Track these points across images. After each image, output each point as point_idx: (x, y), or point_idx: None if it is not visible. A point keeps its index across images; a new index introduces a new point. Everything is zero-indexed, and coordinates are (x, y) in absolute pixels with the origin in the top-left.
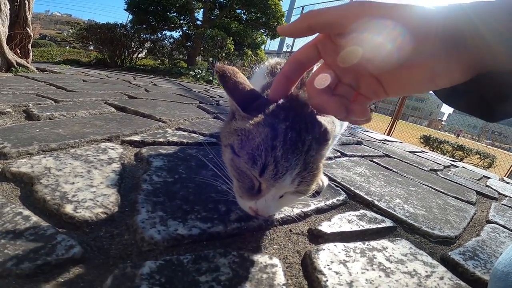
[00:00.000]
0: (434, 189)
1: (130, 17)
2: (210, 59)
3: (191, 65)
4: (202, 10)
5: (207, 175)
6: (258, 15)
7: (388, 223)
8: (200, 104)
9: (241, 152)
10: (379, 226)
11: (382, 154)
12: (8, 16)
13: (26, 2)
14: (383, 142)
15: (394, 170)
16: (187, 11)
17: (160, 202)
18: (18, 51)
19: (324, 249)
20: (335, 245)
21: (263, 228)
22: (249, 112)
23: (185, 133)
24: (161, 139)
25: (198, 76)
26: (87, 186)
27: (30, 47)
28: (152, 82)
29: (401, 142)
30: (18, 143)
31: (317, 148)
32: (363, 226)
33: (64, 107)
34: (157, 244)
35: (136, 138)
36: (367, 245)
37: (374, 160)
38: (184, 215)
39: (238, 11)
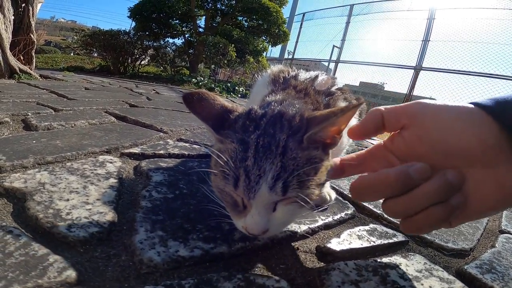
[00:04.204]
0: None
1: (133, 24)
2: (212, 66)
3: (193, 72)
4: (204, 17)
5: (209, 191)
6: (260, 22)
7: (400, 237)
8: None
9: (217, 172)
10: (390, 241)
11: None
12: (12, 22)
13: (30, 8)
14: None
15: None
16: (190, 18)
17: (160, 220)
18: (22, 58)
19: (334, 269)
20: (346, 264)
21: (269, 247)
22: (222, 133)
23: (187, 144)
24: (161, 151)
25: (200, 83)
26: (82, 203)
27: (33, 54)
28: (154, 90)
29: None
30: (13, 155)
31: (297, 146)
32: (374, 242)
33: (64, 116)
34: (157, 267)
35: (136, 150)
36: (380, 262)
37: None
38: (185, 234)
39: (240, 18)
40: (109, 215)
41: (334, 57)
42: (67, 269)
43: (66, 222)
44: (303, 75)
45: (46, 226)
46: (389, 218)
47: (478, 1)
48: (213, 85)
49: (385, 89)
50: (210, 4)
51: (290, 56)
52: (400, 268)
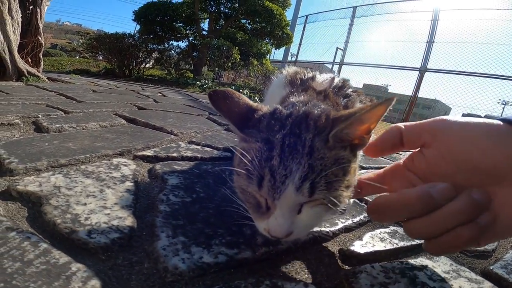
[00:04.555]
0: None
1: (138, 27)
2: (216, 69)
3: (198, 75)
4: (207, 20)
5: (226, 194)
6: (263, 24)
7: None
8: (210, 116)
9: (240, 172)
10: (413, 243)
11: None
12: (20, 24)
13: (38, 10)
14: (396, 153)
15: None
16: (193, 21)
17: (180, 225)
18: (30, 60)
19: (362, 272)
20: (373, 267)
21: (292, 251)
22: (247, 131)
23: (198, 147)
24: (174, 154)
25: (204, 86)
26: (100, 207)
27: (41, 56)
28: (160, 93)
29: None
30: (26, 158)
31: (323, 145)
32: (396, 244)
33: (74, 118)
34: (182, 275)
35: (149, 153)
36: (406, 264)
37: None
38: (207, 240)
39: (243, 21)
40: (128, 220)
41: (337, 59)
42: (91, 278)
43: (85, 227)
44: (320, 77)
45: (64, 231)
46: None
47: (482, 2)
48: (217, 88)
49: (389, 91)
50: (214, 7)
51: (293, 59)
52: (427, 270)
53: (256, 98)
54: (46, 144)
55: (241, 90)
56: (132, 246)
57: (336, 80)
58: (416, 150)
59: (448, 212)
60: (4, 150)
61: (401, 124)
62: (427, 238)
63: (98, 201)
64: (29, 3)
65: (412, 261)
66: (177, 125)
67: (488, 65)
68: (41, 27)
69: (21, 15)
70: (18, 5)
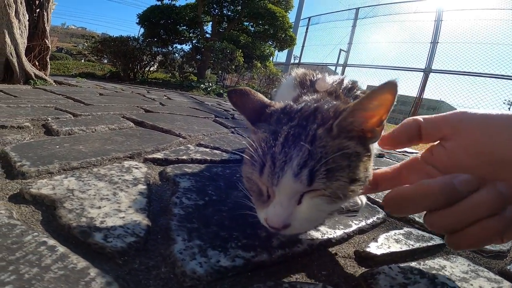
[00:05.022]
0: None
1: (142, 30)
2: (220, 72)
3: (201, 78)
4: (210, 23)
5: (238, 197)
6: (266, 27)
7: (437, 240)
8: (216, 118)
9: (246, 160)
10: (429, 244)
11: None
12: (27, 27)
13: (45, 13)
14: (403, 154)
15: None
16: (197, 24)
17: (195, 228)
18: (37, 63)
19: (380, 273)
20: (391, 268)
21: (308, 253)
22: (258, 124)
23: (207, 149)
24: (184, 157)
25: (208, 89)
26: (115, 210)
27: (48, 59)
28: (165, 96)
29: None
30: (38, 161)
31: (326, 134)
32: (412, 245)
33: (83, 121)
34: (200, 279)
35: (159, 155)
36: (424, 265)
37: None
38: (223, 243)
39: (246, 23)
40: (143, 223)
41: (341, 61)
42: (111, 284)
43: (101, 231)
44: (330, 78)
45: (80, 235)
46: (422, 221)
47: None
48: (221, 91)
49: None
50: (217, 10)
51: (297, 61)
52: (446, 270)
53: None
54: (57, 147)
55: None
56: (148, 250)
57: (346, 81)
58: (435, 143)
59: (473, 204)
60: (15, 153)
61: (420, 117)
62: (450, 231)
63: (112, 204)
64: (36, 6)
65: (429, 262)
66: (185, 127)
67: (494, 65)
68: (48, 30)
69: (28, 18)
70: (25, 8)
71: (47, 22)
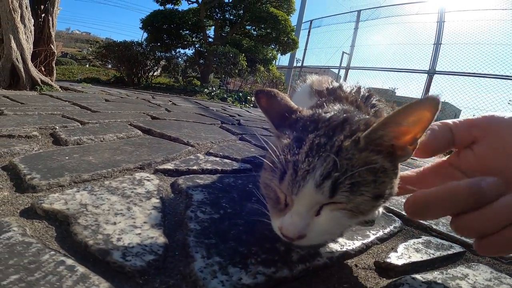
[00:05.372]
0: None
1: (145, 35)
2: (223, 76)
3: (205, 82)
4: (213, 27)
5: (253, 209)
6: (268, 30)
7: (457, 248)
8: (223, 125)
9: (267, 165)
10: (449, 252)
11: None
12: (33, 32)
13: (50, 18)
14: (412, 158)
15: None
16: (199, 28)
17: (213, 244)
18: (43, 69)
19: (403, 284)
20: (413, 278)
21: (328, 266)
22: (282, 129)
23: (217, 158)
24: (195, 167)
25: (212, 93)
26: (130, 226)
27: (54, 65)
28: (170, 101)
29: None
30: (48, 173)
31: (353, 146)
32: (433, 254)
33: (91, 130)
34: None
35: (170, 166)
36: (446, 274)
37: None
38: (243, 259)
39: (248, 27)
40: (160, 240)
41: (344, 64)
42: None
43: (119, 249)
44: (347, 86)
45: (98, 254)
46: (439, 229)
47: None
48: (225, 95)
49: (396, 94)
50: (219, 15)
51: (299, 64)
52: (469, 278)
53: None
54: (67, 158)
55: (248, 97)
56: (167, 268)
57: (363, 90)
58: (462, 147)
59: (503, 207)
60: (24, 165)
61: (450, 121)
62: (480, 236)
63: (127, 219)
64: (41, 11)
65: (452, 270)
66: (192, 135)
67: (498, 66)
68: (53, 35)
69: (33, 23)
70: (30, 13)
71: (53, 27)
